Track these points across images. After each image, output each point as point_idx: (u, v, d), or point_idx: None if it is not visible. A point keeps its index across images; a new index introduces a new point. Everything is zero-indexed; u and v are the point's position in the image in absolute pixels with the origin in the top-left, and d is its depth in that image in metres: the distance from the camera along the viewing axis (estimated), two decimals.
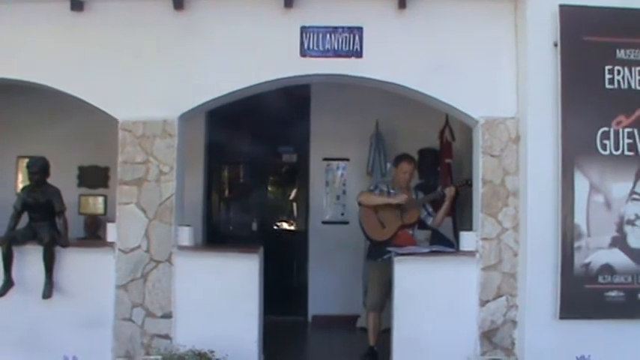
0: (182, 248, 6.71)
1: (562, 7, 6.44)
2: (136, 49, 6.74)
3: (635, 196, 6.43)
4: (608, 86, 6.44)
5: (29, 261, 6.61)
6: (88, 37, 6.78)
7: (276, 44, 6.78)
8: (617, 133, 6.41)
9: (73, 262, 6.68)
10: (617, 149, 6.41)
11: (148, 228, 6.63)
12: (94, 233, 9.24)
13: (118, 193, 6.76)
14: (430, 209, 7.75)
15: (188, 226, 6.87)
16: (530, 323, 6.48)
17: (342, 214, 10.04)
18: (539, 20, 6.54)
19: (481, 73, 6.80)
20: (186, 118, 6.89)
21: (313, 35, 6.74)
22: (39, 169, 6.77)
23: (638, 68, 6.45)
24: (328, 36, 6.74)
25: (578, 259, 6.34)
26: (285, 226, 10.83)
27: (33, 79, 6.80)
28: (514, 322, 6.66)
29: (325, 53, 6.74)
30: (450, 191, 7.52)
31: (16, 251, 6.57)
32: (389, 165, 9.06)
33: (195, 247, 6.96)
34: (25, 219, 6.83)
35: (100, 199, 9.79)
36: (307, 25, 6.75)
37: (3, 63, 6.77)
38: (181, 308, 6.62)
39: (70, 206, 7.44)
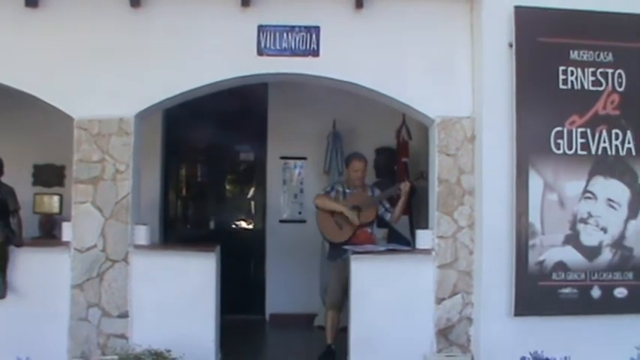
0: (138, 247, 6.64)
1: (517, 8, 6.50)
2: (91, 46, 6.65)
3: (587, 194, 6.52)
4: (562, 87, 6.52)
5: None
6: (43, 33, 6.66)
7: (233, 43, 6.74)
8: (570, 133, 6.50)
9: (28, 261, 6.56)
10: (570, 149, 6.49)
11: (104, 227, 6.54)
12: (49, 233, 9.11)
13: (73, 191, 6.65)
14: (388, 205, 7.76)
15: (144, 225, 6.80)
16: (486, 320, 6.54)
17: (300, 213, 10.02)
18: (494, 21, 6.59)
19: (437, 72, 6.83)
20: (142, 116, 6.82)
21: (270, 34, 6.72)
22: None
23: (591, 69, 6.54)
24: (285, 35, 6.72)
25: (533, 257, 6.41)
26: (243, 224, 10.79)
27: None
28: (470, 320, 6.71)
29: (282, 52, 6.72)
30: (405, 186, 7.53)
31: None
32: None
33: (152, 246, 6.89)
34: None
35: (56, 198, 9.64)
36: (264, 23, 6.72)
37: None
38: (138, 308, 6.54)
39: (25, 205, 7.32)
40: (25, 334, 6.44)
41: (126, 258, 6.58)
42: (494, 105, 6.56)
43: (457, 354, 6.67)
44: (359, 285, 6.72)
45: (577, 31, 6.58)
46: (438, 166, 6.80)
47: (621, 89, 6.58)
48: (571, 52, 6.53)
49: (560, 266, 6.46)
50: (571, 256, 6.47)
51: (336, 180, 8.74)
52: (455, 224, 6.75)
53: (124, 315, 6.54)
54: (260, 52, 6.74)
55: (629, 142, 6.57)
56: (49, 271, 6.59)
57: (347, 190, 7.73)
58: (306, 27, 6.75)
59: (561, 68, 6.52)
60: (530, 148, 6.45)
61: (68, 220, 6.72)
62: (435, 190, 6.81)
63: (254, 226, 10.61)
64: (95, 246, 6.55)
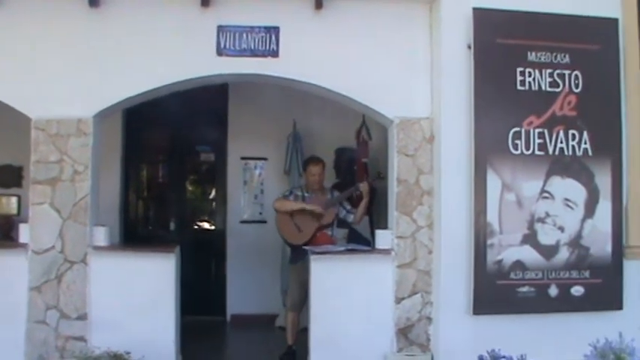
0: (97, 248, 6.55)
1: (475, 10, 6.54)
2: (49, 46, 6.56)
3: (545, 194, 6.57)
4: (519, 88, 6.58)
5: None
6: (0, 33, 6.58)
7: (192, 43, 6.69)
8: (528, 133, 6.55)
9: None
10: (528, 149, 6.55)
11: (62, 228, 6.45)
12: (6, 234, 8.95)
13: (31, 193, 6.56)
14: (349, 207, 7.75)
15: (103, 226, 6.72)
16: (445, 319, 6.58)
17: (260, 214, 9.98)
18: (453, 23, 6.64)
19: (396, 73, 6.86)
20: (101, 116, 6.74)
21: (230, 34, 6.69)
22: None
23: (548, 70, 6.61)
24: (245, 35, 6.69)
25: (491, 256, 6.46)
26: (204, 225, 10.74)
27: None
28: (429, 319, 6.74)
29: (242, 53, 6.69)
30: (364, 187, 7.54)
31: None
32: None
33: (111, 247, 6.79)
34: None
35: (14, 199, 9.50)
36: (224, 24, 6.69)
37: None
38: (97, 309, 6.45)
39: None
40: None
41: (85, 259, 6.49)
42: (452, 106, 6.60)
43: (417, 353, 6.70)
44: (319, 285, 6.70)
45: (535, 33, 6.64)
46: (397, 167, 6.81)
47: (578, 90, 6.65)
48: (529, 53, 6.59)
49: (518, 265, 6.51)
50: (529, 255, 6.53)
51: (296, 184, 8.69)
52: (414, 224, 6.77)
53: (83, 317, 6.45)
54: (220, 53, 6.71)
55: (585, 143, 6.65)
56: (6, 274, 6.46)
57: (306, 194, 7.70)
58: (265, 27, 6.73)
59: (519, 69, 6.58)
60: (489, 148, 6.49)
61: (27, 221, 6.61)
62: (394, 190, 6.83)
63: (215, 226, 10.56)
64: (53, 247, 6.45)
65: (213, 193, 10.72)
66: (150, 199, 10.77)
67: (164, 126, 9.85)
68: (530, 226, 6.54)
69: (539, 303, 6.53)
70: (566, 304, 6.58)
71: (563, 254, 6.58)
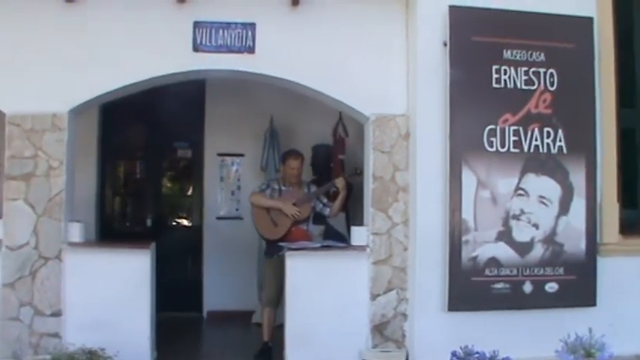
0: (72, 245, 6.51)
1: (451, 7, 6.55)
2: (24, 40, 6.50)
3: (520, 191, 6.60)
4: (495, 85, 6.59)
5: None
6: None
7: (168, 39, 6.66)
8: (503, 131, 6.58)
9: None
10: (503, 146, 6.57)
11: (37, 224, 6.39)
12: None
13: (5, 188, 6.49)
14: (325, 200, 7.74)
15: (78, 222, 6.67)
16: (420, 316, 6.60)
17: (237, 210, 9.96)
18: (429, 20, 6.64)
19: (372, 70, 6.86)
20: (76, 112, 6.70)
21: (206, 30, 6.66)
22: None
23: (523, 68, 6.64)
24: (221, 31, 6.67)
25: (466, 253, 6.47)
26: (180, 221, 10.72)
27: None
28: (405, 315, 6.76)
29: (218, 49, 6.67)
30: (340, 182, 7.55)
31: None
32: None
33: (86, 244, 6.74)
34: None
35: None
36: (200, 20, 6.66)
37: None
38: (71, 306, 6.41)
39: None
40: None
41: (59, 256, 6.44)
42: (428, 103, 6.61)
43: (392, 349, 6.70)
44: (294, 282, 6.69)
45: (510, 31, 6.66)
46: (372, 164, 6.82)
47: (553, 88, 6.68)
48: (504, 51, 6.61)
49: (493, 262, 6.53)
50: (504, 252, 6.56)
51: (271, 177, 8.69)
52: (389, 221, 6.78)
53: (57, 314, 6.40)
54: (196, 49, 6.68)
55: (560, 140, 6.68)
56: None
57: (282, 188, 7.69)
58: (242, 24, 6.70)
59: (495, 67, 6.60)
60: (464, 145, 6.51)
61: (0, 217, 6.55)
62: (369, 187, 6.84)
63: (192, 223, 10.54)
64: (27, 244, 6.39)
65: (190, 189, 10.69)
66: (126, 196, 10.74)
67: (141, 122, 9.82)
68: (505, 222, 6.56)
69: (513, 299, 6.56)
70: (540, 300, 6.61)
71: (538, 251, 6.61)
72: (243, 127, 9.77)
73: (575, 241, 6.71)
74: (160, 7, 6.66)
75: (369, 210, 6.84)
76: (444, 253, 6.49)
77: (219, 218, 10.05)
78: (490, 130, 6.55)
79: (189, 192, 10.70)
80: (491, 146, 6.54)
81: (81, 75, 6.56)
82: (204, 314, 9.94)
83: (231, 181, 10.11)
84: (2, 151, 6.63)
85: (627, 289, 6.87)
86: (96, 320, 6.33)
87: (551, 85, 6.68)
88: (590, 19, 6.85)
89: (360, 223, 7.10)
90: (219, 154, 10.06)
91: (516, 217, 6.59)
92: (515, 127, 6.60)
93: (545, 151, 6.65)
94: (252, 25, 6.71)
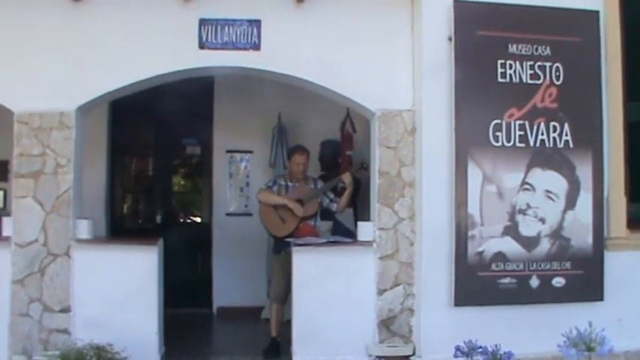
0: (80, 241, 6.53)
1: (456, 2, 6.53)
2: (32, 39, 6.52)
3: (526, 186, 6.58)
4: (500, 80, 6.57)
5: None
6: None
7: (175, 36, 6.65)
8: (508, 125, 6.55)
9: None
10: (509, 141, 6.54)
11: (45, 221, 6.42)
12: None
13: (13, 186, 6.55)
14: (332, 196, 7.74)
15: (86, 219, 6.68)
16: (427, 311, 6.59)
17: (246, 206, 9.96)
18: (434, 14, 6.63)
19: (378, 66, 6.84)
20: (84, 109, 6.72)
21: (212, 27, 6.67)
22: None
23: (529, 63, 6.60)
24: (227, 28, 6.67)
25: (472, 248, 6.46)
26: (190, 218, 10.75)
27: None
28: (411, 310, 6.74)
29: (224, 46, 6.67)
30: (346, 177, 7.54)
31: None
32: None
33: (94, 240, 6.74)
34: None
35: (0, 193, 9.49)
36: (206, 17, 6.66)
37: None
38: (80, 302, 6.43)
39: None
40: None
41: (68, 252, 6.46)
42: (433, 98, 6.60)
43: (399, 344, 6.70)
44: (301, 277, 6.70)
45: (516, 25, 6.64)
46: (378, 159, 6.82)
47: (559, 82, 6.64)
48: (510, 45, 6.58)
49: (500, 257, 6.51)
50: (510, 246, 6.54)
51: (279, 174, 8.70)
52: (396, 216, 6.77)
53: (66, 310, 6.42)
54: (202, 46, 6.68)
55: (566, 135, 6.64)
56: None
57: (289, 184, 7.71)
58: (247, 20, 6.70)
59: (500, 62, 6.57)
60: (470, 140, 6.49)
61: (10, 215, 6.58)
62: (375, 182, 6.83)
63: (201, 219, 10.56)
64: (36, 240, 6.43)
65: (200, 186, 10.71)
66: (136, 193, 10.77)
67: (150, 119, 9.83)
68: (512, 217, 6.54)
69: (520, 294, 6.54)
70: (547, 295, 6.58)
71: (545, 245, 6.58)
72: (251, 124, 9.78)
73: (582, 236, 6.68)
74: (166, 5, 6.66)
75: (375, 205, 6.84)
76: (451, 247, 6.48)
77: (228, 214, 10.06)
78: (496, 124, 6.52)
79: (199, 189, 10.69)
80: (497, 141, 6.52)
81: (88, 73, 6.58)
82: (214, 310, 9.96)
83: (240, 178, 10.12)
84: (11, 149, 6.64)
85: (635, 283, 6.83)
86: (104, 316, 6.34)
87: (557, 79, 6.64)
88: (596, 13, 6.81)
89: (368, 219, 7.10)
90: (228, 151, 10.08)
91: (523, 212, 6.57)
92: (521, 122, 6.57)
93: (551, 145, 6.62)
94: (258, 22, 6.71)
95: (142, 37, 6.65)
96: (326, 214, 7.89)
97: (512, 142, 6.55)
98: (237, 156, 10.09)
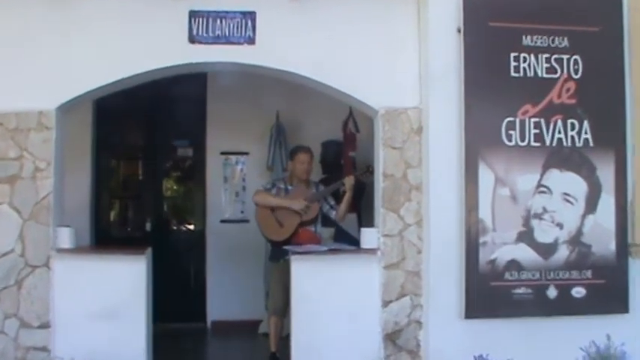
0: (61, 251, 6.52)
1: None
2: (7, 35, 6.52)
3: (542, 188, 6.58)
4: (513, 74, 6.57)
5: None
6: None
7: (162, 30, 6.65)
8: (523, 123, 6.56)
9: None
10: (523, 140, 6.54)
11: (23, 230, 6.41)
12: None
13: None
14: (333, 202, 7.75)
15: (68, 227, 6.67)
16: (436, 323, 6.59)
17: (242, 212, 9.97)
18: (442, 5, 6.63)
19: (382, 61, 6.84)
20: (65, 109, 6.71)
21: (203, 20, 6.66)
22: None
23: (545, 55, 6.60)
24: (219, 21, 6.66)
25: (484, 255, 6.45)
26: (182, 225, 10.77)
27: None
28: (419, 323, 6.73)
29: (216, 40, 6.66)
30: (349, 180, 7.55)
31: None
32: None
33: (76, 250, 6.71)
34: None
35: None
36: (196, 9, 6.66)
37: None
38: (61, 317, 6.41)
39: None
40: None
41: (47, 263, 6.45)
42: (442, 94, 6.60)
43: None
44: (300, 288, 6.70)
45: (530, 15, 6.62)
46: (382, 160, 6.81)
47: (577, 76, 6.64)
48: (524, 37, 6.58)
49: (514, 265, 6.51)
50: (525, 254, 6.53)
51: (277, 177, 8.71)
52: (401, 221, 6.75)
53: (46, 325, 6.40)
54: (192, 40, 6.68)
55: (586, 133, 6.64)
56: None
57: (288, 187, 7.74)
58: (241, 12, 6.70)
59: (513, 54, 6.57)
60: (480, 139, 6.49)
61: None
62: (379, 185, 6.83)
63: (194, 226, 10.58)
64: (13, 251, 6.41)
65: (192, 190, 10.73)
66: (124, 198, 10.78)
67: (139, 119, 9.91)
68: (526, 222, 6.54)
69: (536, 305, 6.52)
70: (566, 306, 6.56)
71: (563, 253, 6.57)
72: (247, 124, 9.80)
73: (603, 242, 6.65)
74: None
75: (379, 210, 6.83)
76: (461, 255, 6.48)
77: (223, 221, 10.09)
78: (509, 122, 6.53)
79: (191, 194, 10.71)
80: (510, 140, 6.52)
81: (69, 70, 6.57)
82: (209, 324, 9.99)
83: (235, 182, 10.14)
84: None
85: None
86: (87, 332, 6.35)
87: (576, 72, 6.63)
88: (618, 0, 6.79)
89: (372, 225, 7.10)
90: (223, 153, 10.11)
91: (538, 217, 6.56)
92: (536, 119, 6.57)
93: (569, 144, 6.61)
94: (252, 14, 6.71)
95: (127, 30, 6.66)
96: (327, 219, 7.91)
97: (526, 142, 6.55)
98: (233, 158, 10.11)
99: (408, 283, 6.74)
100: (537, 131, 6.57)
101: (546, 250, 6.55)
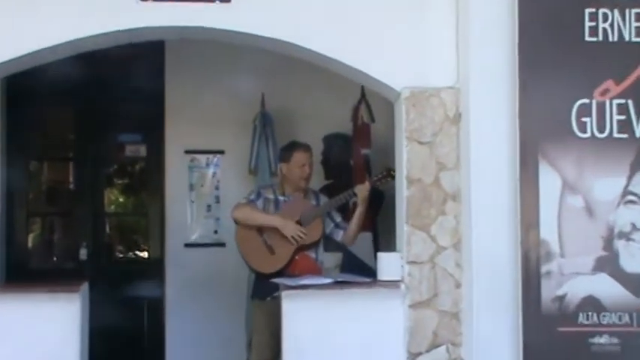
0: None
1: None
2: None
3: (630, 197, 6.52)
4: (589, 39, 6.53)
5: None
6: None
7: None
8: (602, 107, 6.51)
9: None
10: (602, 130, 6.51)
11: None
12: None
13: None
14: (339, 219, 7.81)
15: None
16: None
17: (216, 233, 10.06)
18: None
19: (405, 24, 6.86)
20: None
21: None
22: None
23: (634, 10, 6.54)
24: None
25: (548, 290, 6.41)
26: (131, 252, 10.81)
27: None
28: None
29: None
30: (362, 190, 7.57)
31: None
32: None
33: None
34: None
35: None
36: None
37: None
38: None
39: None
40: None
41: None
42: (488, 69, 6.60)
43: None
44: (294, 335, 6.67)
45: None
46: (406, 160, 6.80)
47: None
48: None
49: (591, 303, 6.45)
50: (607, 288, 6.48)
51: (265, 183, 8.72)
52: (433, 243, 6.75)
53: None
54: None
55: None
56: None
57: (280, 198, 7.74)
58: None
59: (588, 11, 6.54)
60: (541, 130, 6.47)
61: None
62: (403, 194, 6.82)
63: (147, 253, 10.62)
64: None
65: (145, 204, 10.77)
66: (49, 216, 10.80)
67: (69, 105, 9.91)
68: (608, 244, 6.50)
69: None
70: None
71: None
72: (221, 112, 9.86)
73: None
74: None
75: (402, 228, 6.82)
76: (516, 290, 6.44)
77: (188, 245, 10.15)
78: (582, 106, 6.50)
79: (144, 208, 10.75)
80: (584, 130, 6.50)
81: None
82: None
83: (206, 191, 10.19)
84: None
85: None
86: None
87: None
88: None
89: (393, 248, 7.14)
90: (188, 152, 10.17)
91: (625, 236, 6.52)
92: (621, 101, 6.53)
93: None
94: None
95: None
96: (332, 242, 7.93)
97: (607, 132, 6.52)
98: (202, 159, 10.18)
99: (443, 328, 6.74)
100: (623, 118, 6.52)
101: (638, 283, 6.52)
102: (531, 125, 6.46)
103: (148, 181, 10.62)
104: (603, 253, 6.49)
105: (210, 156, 10.13)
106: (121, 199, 11.14)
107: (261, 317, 7.68)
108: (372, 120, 9.19)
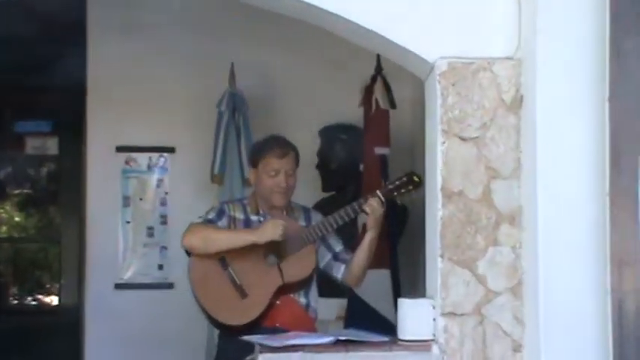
0: None
1: None
2: None
3: None
4: None
5: None
6: None
7: None
8: None
9: None
10: None
11: None
12: None
13: None
14: (339, 248, 7.85)
15: None
16: None
17: (161, 268, 10.06)
18: None
19: None
20: None
21: None
22: None
23: None
24: None
25: None
26: (33, 296, 10.84)
27: None
28: None
29: None
30: (372, 206, 7.53)
31: None
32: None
33: None
34: None
35: None
36: None
37: None
38: None
39: None
40: None
41: None
42: (562, 36, 6.63)
43: None
44: None
45: None
46: (442, 165, 6.77)
47: None
48: None
49: None
50: None
51: (232, 198, 8.73)
52: (481, 286, 6.76)
53: None
54: None
55: None
56: None
57: (253, 217, 7.77)
58: None
59: None
60: None
61: None
62: (436, 214, 6.79)
63: (58, 298, 10.63)
64: None
65: (54, 225, 10.80)
66: None
67: None
68: None
69: None
70: None
71: None
72: (170, 91, 9.85)
73: None
74: None
75: (436, 264, 6.80)
76: (606, 350, 6.47)
77: (120, 287, 10.15)
78: None
79: (53, 232, 10.78)
80: None
81: None
82: None
83: (147, 207, 10.20)
84: None
85: None
86: None
87: None
88: None
89: (421, 292, 7.14)
90: (121, 149, 10.20)
91: None
92: None
93: None
94: None
95: None
96: (330, 282, 7.92)
97: None
98: (142, 159, 10.19)
99: None
100: None
101: None
102: (628, 113, 6.43)
103: (60, 191, 10.61)
104: None
105: (154, 155, 10.13)
106: (17, 219, 11.12)
107: None
108: (392, 106, 9.19)
